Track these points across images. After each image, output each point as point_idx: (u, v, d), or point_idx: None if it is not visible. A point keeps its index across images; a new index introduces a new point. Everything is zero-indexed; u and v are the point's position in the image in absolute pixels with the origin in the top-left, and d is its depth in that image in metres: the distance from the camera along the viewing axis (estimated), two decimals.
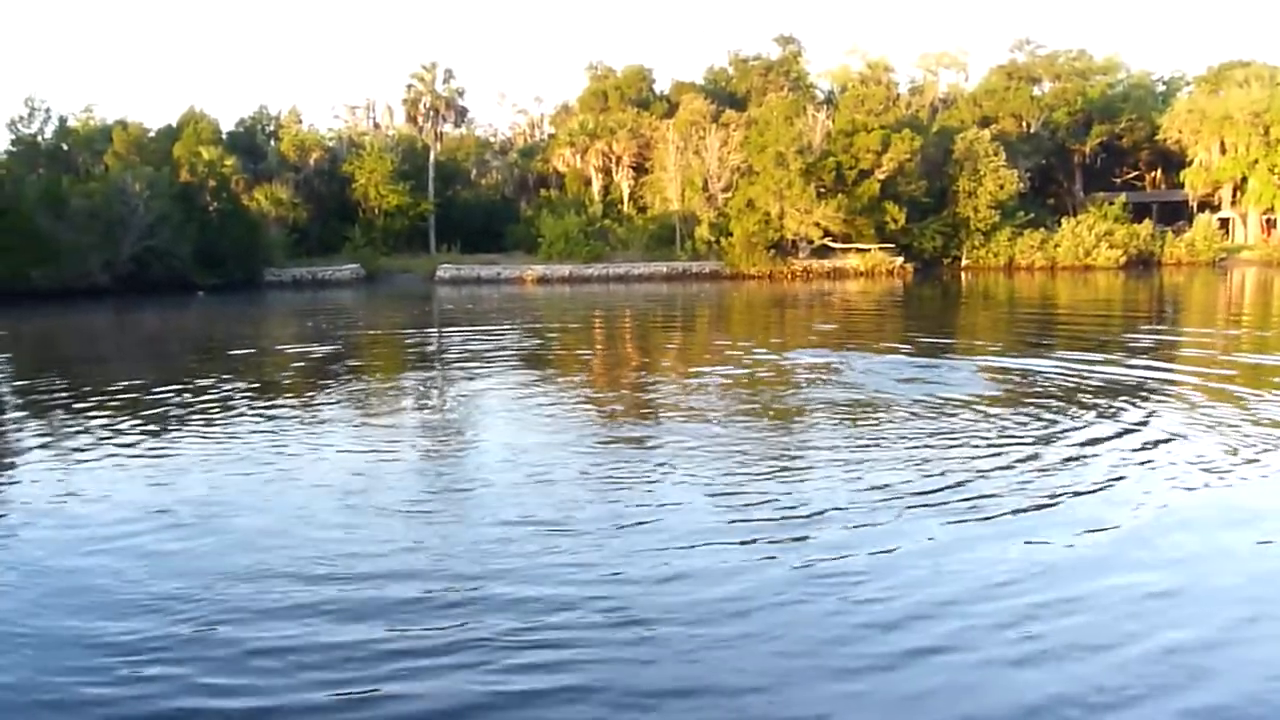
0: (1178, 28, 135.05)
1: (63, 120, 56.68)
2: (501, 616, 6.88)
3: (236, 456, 11.98)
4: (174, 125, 57.30)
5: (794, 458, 11.70)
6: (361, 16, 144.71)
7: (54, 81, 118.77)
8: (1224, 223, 67.69)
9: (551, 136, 73.07)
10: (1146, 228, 61.29)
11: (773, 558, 7.98)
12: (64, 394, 17.46)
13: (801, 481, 10.66)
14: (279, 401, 16.59)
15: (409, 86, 63.08)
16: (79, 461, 11.93)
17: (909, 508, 9.36)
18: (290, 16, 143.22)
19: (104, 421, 14.40)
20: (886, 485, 10.20)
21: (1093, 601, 7.11)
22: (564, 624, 6.71)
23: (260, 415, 14.97)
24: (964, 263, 59.39)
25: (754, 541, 8.31)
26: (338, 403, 16.29)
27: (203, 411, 15.36)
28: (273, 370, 22.02)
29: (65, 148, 55.18)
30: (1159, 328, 28.88)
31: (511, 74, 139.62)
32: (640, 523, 8.92)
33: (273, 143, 62.87)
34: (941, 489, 9.92)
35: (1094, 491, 10.04)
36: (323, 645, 6.47)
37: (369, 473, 10.94)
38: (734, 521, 8.89)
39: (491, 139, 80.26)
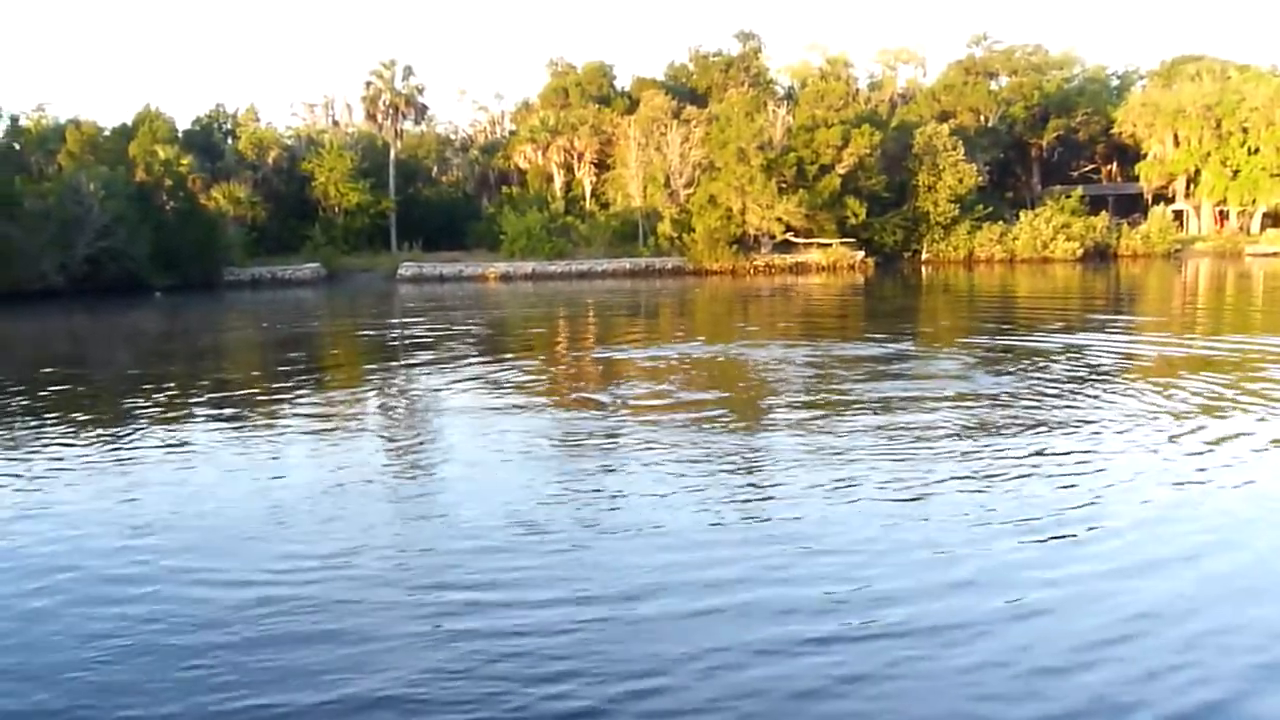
0: (1131, 22, 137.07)
1: (14, 119, 55.63)
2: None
3: (190, 466, 11.72)
4: (129, 124, 56.34)
5: (762, 457, 11.68)
6: (319, 13, 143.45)
7: (5, 80, 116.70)
8: (1178, 215, 68.68)
9: (512, 133, 72.62)
10: (1103, 220, 62.00)
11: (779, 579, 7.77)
12: (18, 399, 17.13)
13: (776, 483, 10.70)
14: (236, 407, 16.33)
15: (368, 84, 62.43)
16: (35, 469, 11.72)
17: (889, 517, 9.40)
18: (247, 13, 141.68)
19: (57, 429, 14.17)
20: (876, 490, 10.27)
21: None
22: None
23: (218, 421, 14.73)
24: (924, 256, 59.81)
25: (759, 568, 7.94)
26: (296, 407, 16.07)
27: (157, 418, 15.15)
28: (231, 373, 21.77)
29: (17, 147, 54.07)
30: (1126, 318, 29.28)
31: (471, 70, 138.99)
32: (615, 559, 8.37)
33: (230, 141, 61.97)
34: (922, 495, 9.96)
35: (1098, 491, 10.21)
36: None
37: (328, 481, 10.73)
38: (720, 542, 8.52)
39: (452, 136, 79.69)
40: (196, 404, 16.19)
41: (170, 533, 9.08)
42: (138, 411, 15.69)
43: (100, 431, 13.89)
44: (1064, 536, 8.48)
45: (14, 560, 8.48)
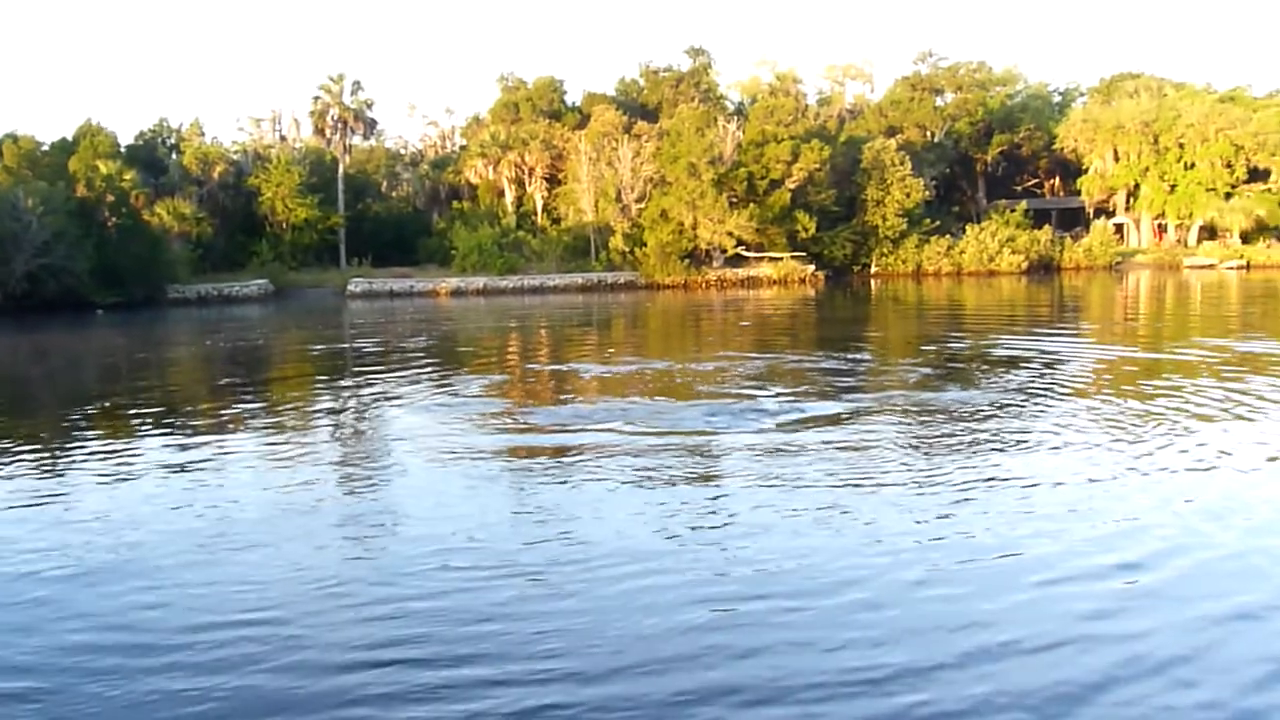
0: (1071, 41, 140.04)
1: None
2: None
3: (134, 494, 11.12)
4: (69, 138, 55.15)
5: (734, 480, 11.35)
6: (266, 26, 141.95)
7: None
8: (1119, 228, 70.19)
9: (463, 148, 72.26)
10: (1046, 233, 63.17)
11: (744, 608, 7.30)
12: None
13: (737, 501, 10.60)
14: (174, 429, 15.82)
15: (316, 98, 61.80)
16: None
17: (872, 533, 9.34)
18: (192, 26, 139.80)
19: None
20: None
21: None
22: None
23: (154, 445, 14.17)
24: (873, 270, 60.43)
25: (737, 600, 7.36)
26: (239, 428, 15.65)
27: (92, 439, 14.75)
28: (171, 393, 21.29)
29: None
30: (1073, 327, 29.73)
31: (421, 85, 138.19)
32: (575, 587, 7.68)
33: (174, 156, 60.92)
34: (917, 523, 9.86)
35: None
36: None
37: (275, 512, 10.08)
38: (699, 581, 7.78)
39: (402, 151, 79.18)
40: (134, 425, 15.76)
41: (88, 573, 8.28)
42: (72, 432, 15.27)
43: (30, 452, 13.48)
44: (1107, 571, 7.79)
45: None
